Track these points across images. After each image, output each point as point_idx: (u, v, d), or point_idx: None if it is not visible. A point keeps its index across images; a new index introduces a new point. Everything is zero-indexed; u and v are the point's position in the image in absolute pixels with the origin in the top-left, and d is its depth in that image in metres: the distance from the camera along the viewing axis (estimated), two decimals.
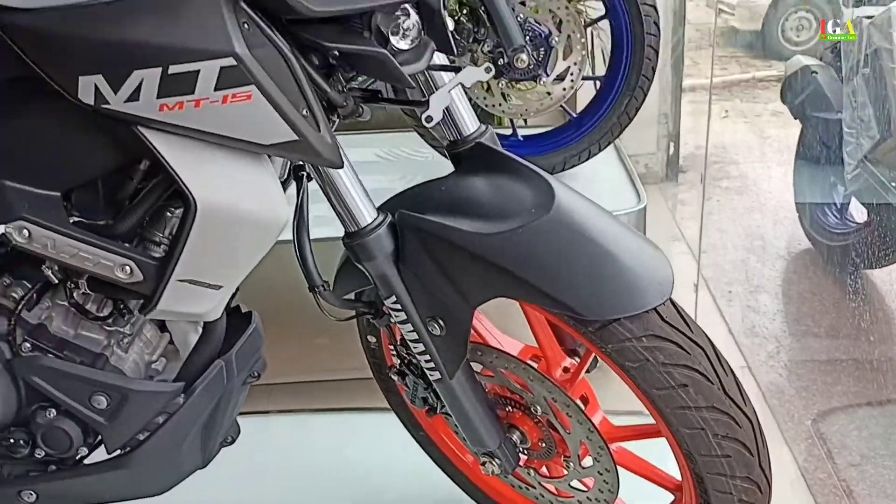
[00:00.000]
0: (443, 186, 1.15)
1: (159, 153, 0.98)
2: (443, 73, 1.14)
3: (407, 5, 0.99)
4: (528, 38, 2.08)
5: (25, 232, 1.04)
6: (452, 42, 1.04)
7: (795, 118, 2.85)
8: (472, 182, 1.15)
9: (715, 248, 2.93)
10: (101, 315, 1.18)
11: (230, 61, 0.91)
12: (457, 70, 1.09)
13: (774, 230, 3.09)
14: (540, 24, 2.12)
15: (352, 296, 1.26)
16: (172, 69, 0.91)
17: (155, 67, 0.91)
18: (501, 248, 1.05)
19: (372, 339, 1.42)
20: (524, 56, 1.96)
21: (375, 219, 1.11)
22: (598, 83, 2.22)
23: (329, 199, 1.10)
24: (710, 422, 1.06)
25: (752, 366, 2.33)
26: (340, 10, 0.95)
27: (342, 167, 1.05)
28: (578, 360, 1.24)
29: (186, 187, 0.99)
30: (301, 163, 1.13)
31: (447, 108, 1.14)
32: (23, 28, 0.92)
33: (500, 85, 2.17)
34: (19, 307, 1.16)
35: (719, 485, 1.10)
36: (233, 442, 1.39)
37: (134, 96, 0.93)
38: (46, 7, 0.91)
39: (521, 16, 2.11)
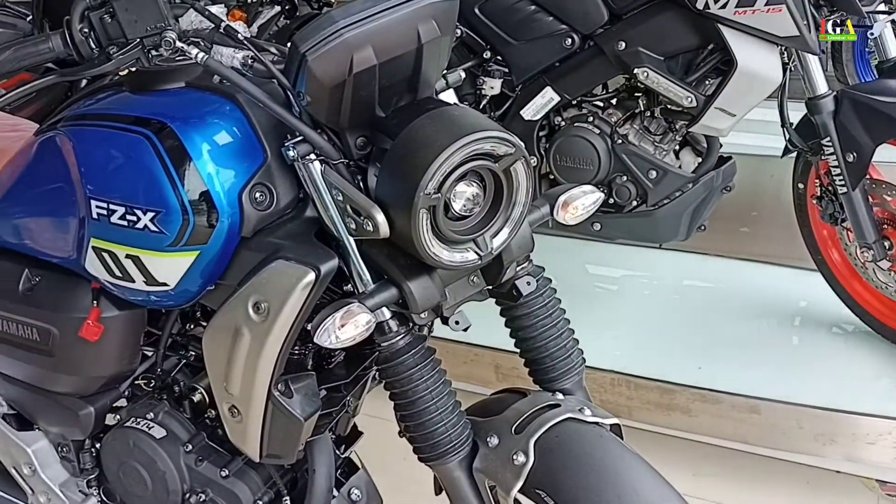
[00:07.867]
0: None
1: (725, 38, 2.00)
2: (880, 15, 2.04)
3: None
4: None
5: (645, 74, 2.13)
6: None
7: None
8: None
9: None
10: (657, 134, 2.26)
11: None
12: (892, 12, 2.00)
13: None
14: None
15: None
16: None
17: None
18: None
19: (800, 185, 2.32)
20: None
21: (827, 92, 2.04)
22: None
23: (803, 71, 2.04)
24: None
25: None
26: None
27: (818, 55, 2.00)
28: None
29: (734, 56, 2.00)
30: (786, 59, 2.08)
31: (881, 37, 2.05)
32: None
33: None
34: (615, 124, 2.28)
35: None
36: (705, 230, 2.40)
37: (723, 5, 1.96)
38: None
39: None
